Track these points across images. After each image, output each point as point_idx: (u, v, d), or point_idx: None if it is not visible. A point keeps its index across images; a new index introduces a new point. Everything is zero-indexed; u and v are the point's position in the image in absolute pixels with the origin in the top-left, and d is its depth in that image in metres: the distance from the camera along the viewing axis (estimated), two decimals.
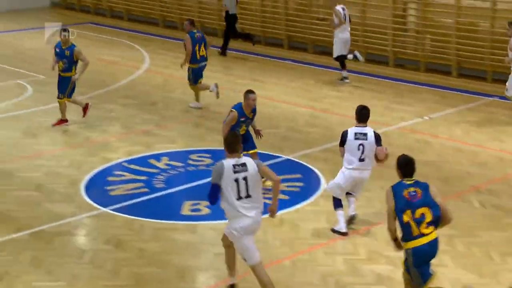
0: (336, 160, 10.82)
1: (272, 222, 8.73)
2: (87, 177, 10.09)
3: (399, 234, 6.30)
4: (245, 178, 6.57)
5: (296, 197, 9.54)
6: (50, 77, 15.34)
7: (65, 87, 12.02)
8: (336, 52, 14.87)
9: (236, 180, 6.55)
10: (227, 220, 6.75)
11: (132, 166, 10.54)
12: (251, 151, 9.28)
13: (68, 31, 12.09)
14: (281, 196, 9.52)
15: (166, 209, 9.20)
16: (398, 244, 6.37)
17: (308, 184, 10.04)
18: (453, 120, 12.70)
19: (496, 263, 7.78)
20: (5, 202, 9.32)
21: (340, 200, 8.50)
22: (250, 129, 9.56)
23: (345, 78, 15.04)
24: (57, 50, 12.00)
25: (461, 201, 9.37)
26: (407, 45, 16.60)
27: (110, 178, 10.15)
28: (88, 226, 8.79)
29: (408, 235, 6.20)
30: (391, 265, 7.65)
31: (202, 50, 13.02)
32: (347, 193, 8.59)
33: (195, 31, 13.10)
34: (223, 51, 17.33)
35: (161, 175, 10.24)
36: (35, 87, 14.46)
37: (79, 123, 12.42)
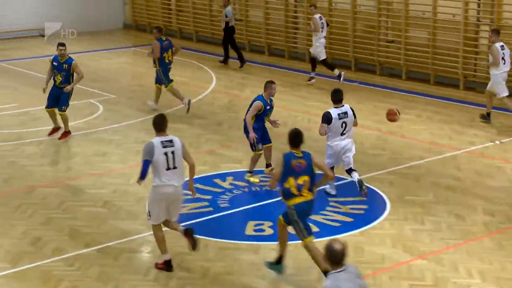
0: (403, 183, 10.70)
1: None
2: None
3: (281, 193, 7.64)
4: (172, 152, 7.86)
5: (361, 220, 9.44)
6: (120, 96, 15.78)
7: (66, 100, 12.39)
8: (322, 55, 16.39)
9: (165, 154, 7.82)
10: (153, 189, 7.90)
11: (197, 185, 10.65)
12: (267, 145, 10.73)
13: (65, 45, 12.40)
14: (346, 219, 9.45)
15: (230, 228, 9.26)
16: (271, 186, 7.83)
17: (373, 207, 9.93)
18: None
19: None
20: (75, 218, 9.58)
21: (351, 169, 9.96)
22: (267, 125, 10.68)
23: (312, 78, 16.61)
24: (55, 64, 12.34)
25: None
26: (478, 68, 16.28)
27: None
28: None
29: (290, 195, 7.58)
30: None
31: (170, 56, 14.26)
32: (349, 171, 9.96)
33: (163, 38, 14.19)
34: (225, 60, 18.68)
35: (226, 194, 10.32)
36: (106, 106, 14.86)
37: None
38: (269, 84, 10.52)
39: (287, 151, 7.69)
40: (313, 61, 16.56)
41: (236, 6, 21.05)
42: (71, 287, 7.73)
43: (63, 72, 12.31)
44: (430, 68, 16.77)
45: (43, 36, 21.98)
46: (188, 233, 8.01)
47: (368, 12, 18.02)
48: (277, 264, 7.89)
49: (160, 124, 8.08)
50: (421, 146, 12.46)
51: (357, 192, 10.21)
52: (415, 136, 13.04)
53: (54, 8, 22.47)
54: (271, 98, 10.61)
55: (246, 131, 10.64)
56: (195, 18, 21.92)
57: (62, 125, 12.65)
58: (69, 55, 12.52)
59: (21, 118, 14.01)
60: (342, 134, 9.85)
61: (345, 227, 9.20)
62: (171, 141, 7.95)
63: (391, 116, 10.44)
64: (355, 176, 9.94)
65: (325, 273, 7.12)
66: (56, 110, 12.52)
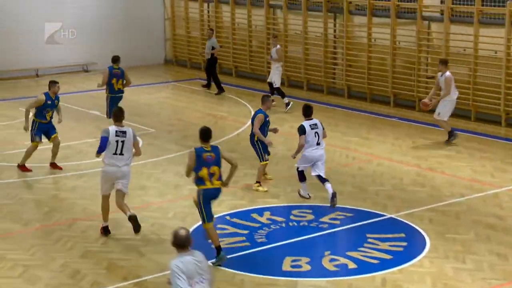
0: (443, 221, 10.56)
1: (374, 282, 8.58)
2: (191, 230, 10.31)
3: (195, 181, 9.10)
4: (122, 142, 9.77)
5: (399, 257, 9.32)
6: (160, 130, 15.98)
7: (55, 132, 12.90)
8: (278, 83, 17.84)
9: (116, 142, 9.72)
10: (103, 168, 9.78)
11: (235, 220, 10.69)
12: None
13: (58, 83, 12.95)
14: (384, 256, 9.35)
15: (267, 264, 9.23)
16: (187, 174, 9.34)
17: (412, 244, 9.80)
18: None
19: None
20: (113, 251, 9.67)
21: (303, 173, 11.37)
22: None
23: (289, 103, 17.60)
24: (49, 102, 12.73)
25: None
26: None
27: None
28: None
29: (202, 182, 9.08)
30: None
31: (120, 84, 15.02)
32: (322, 180, 11.14)
33: (115, 67, 15.00)
34: (208, 85, 20.07)
35: (263, 229, 10.31)
36: (146, 140, 15.05)
37: (184, 177, 12.76)
38: (266, 98, 12.15)
39: (198, 146, 9.17)
40: (271, 85, 17.99)
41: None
42: None
43: (55, 108, 12.85)
44: (471, 105, 16.62)
45: (86, 71, 22.50)
46: (132, 218, 9.74)
47: (408, 48, 18.02)
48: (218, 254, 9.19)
49: (118, 115, 9.94)
50: (462, 183, 12.30)
51: (395, 229, 10.11)
52: (456, 173, 12.89)
53: (96, 44, 22.99)
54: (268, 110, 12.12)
55: (253, 144, 12.15)
56: (234, 53, 22.19)
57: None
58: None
59: (63, 151, 14.26)
60: (317, 144, 11.20)
61: (384, 265, 9.09)
62: (124, 132, 9.83)
63: (424, 106, 13.89)
64: (329, 187, 11.11)
65: (217, 248, 9.09)
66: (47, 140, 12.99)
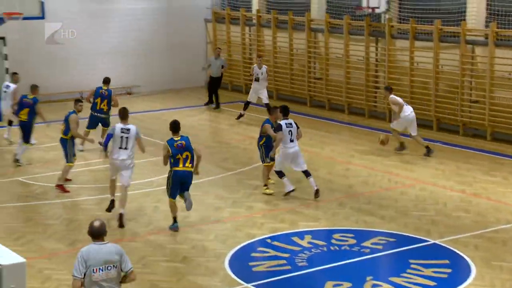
0: (489, 247, 10.34)
1: None
2: (232, 252, 10.31)
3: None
4: (126, 138, 11.36)
5: (443, 284, 9.16)
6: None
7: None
8: (252, 99, 19.18)
9: (121, 137, 11.34)
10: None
11: (276, 243, 10.65)
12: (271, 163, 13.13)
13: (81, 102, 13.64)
14: (428, 282, 9.18)
15: None
16: (164, 163, 11.19)
17: (457, 271, 9.62)
18: None
19: None
20: (154, 272, 9.71)
21: (282, 171, 12.75)
22: None
23: (242, 116, 18.98)
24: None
25: None
26: None
27: (254, 254, 10.30)
28: None
29: (176, 165, 10.96)
30: None
31: (104, 105, 15.67)
32: (306, 175, 12.72)
33: (104, 87, 15.80)
34: (217, 105, 20.83)
35: (304, 253, 10.25)
36: None
37: (226, 198, 12.83)
38: (275, 109, 13.18)
39: (168, 138, 11.02)
40: (249, 104, 19.26)
41: (317, 65, 21.29)
42: None
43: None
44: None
45: (130, 94, 22.82)
46: (120, 217, 11.36)
47: (451, 72, 17.84)
48: (175, 222, 11.27)
49: (123, 114, 11.61)
50: (508, 209, 12.06)
51: (439, 255, 9.94)
52: (502, 198, 12.65)
53: (140, 67, 23.32)
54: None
55: (258, 147, 13.29)
56: (275, 76, 22.27)
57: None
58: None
59: (106, 173, 14.44)
60: (291, 141, 12.59)
61: None
62: (128, 129, 11.46)
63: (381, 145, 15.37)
64: (312, 182, 12.63)
65: (174, 218, 11.26)
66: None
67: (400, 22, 18.95)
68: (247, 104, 19.24)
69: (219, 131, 18.44)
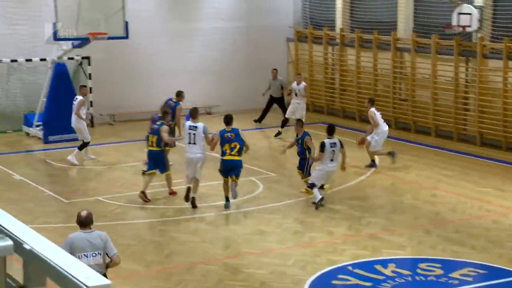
0: None
1: None
2: (311, 279, 10.16)
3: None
4: (194, 134, 13.18)
5: None
6: (280, 175, 16.02)
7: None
8: (288, 114, 19.73)
9: (189, 134, 13.18)
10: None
11: (357, 271, 10.43)
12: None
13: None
14: None
15: None
16: (211, 148, 13.44)
17: None
18: None
19: None
20: None
21: (315, 185, 13.32)
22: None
23: (280, 133, 19.54)
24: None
25: None
26: None
27: (335, 282, 10.13)
28: None
29: (224, 154, 12.96)
30: None
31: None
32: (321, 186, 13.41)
33: (173, 100, 16.37)
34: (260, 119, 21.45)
35: (387, 282, 9.98)
36: (267, 184, 15.13)
37: (305, 222, 12.70)
38: (299, 122, 14.73)
39: (222, 129, 13.09)
40: (287, 121, 19.63)
41: (402, 85, 20.96)
42: None
43: (156, 134, 13.87)
44: None
45: (209, 113, 23.11)
46: (193, 200, 13.27)
47: None
48: (227, 200, 13.23)
49: (193, 113, 13.37)
50: None
51: None
52: None
53: (219, 86, 23.59)
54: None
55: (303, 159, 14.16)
56: (359, 97, 22.06)
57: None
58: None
59: (183, 193, 14.59)
60: (331, 160, 13.26)
61: None
62: (196, 126, 13.19)
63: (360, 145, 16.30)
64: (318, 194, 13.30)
65: (226, 198, 13.33)
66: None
67: (493, 41, 18.42)
68: (285, 121, 19.72)
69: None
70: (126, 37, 18.62)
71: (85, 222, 7.86)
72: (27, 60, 20.18)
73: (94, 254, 7.65)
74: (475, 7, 18.37)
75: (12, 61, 20.07)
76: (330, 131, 13.58)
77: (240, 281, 10.21)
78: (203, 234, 12.19)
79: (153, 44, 22.34)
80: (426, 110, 20.00)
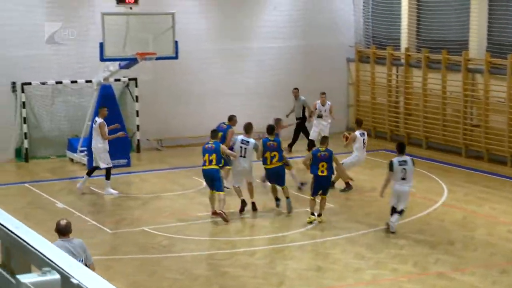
0: None
1: None
2: None
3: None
4: (245, 148, 14.92)
5: None
6: (340, 206, 15.93)
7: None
8: (313, 136, 20.42)
9: (241, 147, 14.91)
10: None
11: None
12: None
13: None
14: None
15: None
16: (258, 157, 15.13)
17: None
18: None
19: None
20: None
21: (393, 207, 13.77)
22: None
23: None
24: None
25: None
26: None
27: None
28: None
29: (265, 163, 14.86)
30: None
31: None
32: (396, 211, 13.70)
33: (226, 123, 16.62)
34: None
35: None
36: (325, 216, 15.04)
37: (367, 258, 12.59)
38: (325, 138, 15.46)
39: (264, 137, 15.18)
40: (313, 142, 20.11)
41: (474, 110, 20.68)
42: None
43: (214, 153, 14.55)
44: None
45: (261, 138, 23.16)
46: (253, 204, 15.09)
47: None
48: (277, 200, 15.08)
49: (247, 128, 15.38)
50: None
51: None
52: None
53: (275, 109, 23.65)
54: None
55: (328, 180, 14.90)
56: (425, 122, 21.86)
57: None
58: None
59: (236, 225, 14.66)
60: (402, 179, 13.56)
61: None
62: (248, 141, 15.03)
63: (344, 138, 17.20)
64: (395, 220, 13.72)
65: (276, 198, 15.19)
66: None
67: None
68: (311, 143, 20.09)
69: (359, 181, 18.23)
70: (176, 57, 18.87)
71: (64, 231, 8.56)
72: (72, 82, 20.65)
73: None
74: None
75: (57, 82, 20.53)
76: (400, 149, 13.88)
77: None
78: (255, 268, 12.19)
79: (203, 64, 22.58)
80: (500, 137, 19.65)
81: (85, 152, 19.07)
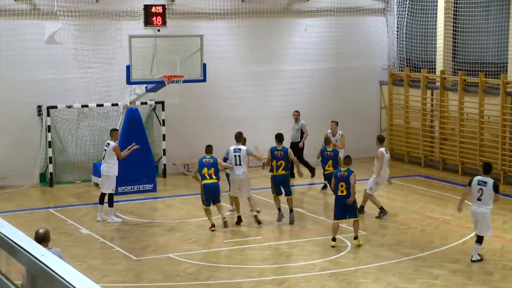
0: None
1: None
2: None
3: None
4: (239, 156, 15.94)
5: None
6: (372, 233, 15.91)
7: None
8: None
9: (235, 156, 15.88)
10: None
11: None
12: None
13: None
14: None
15: None
16: (266, 165, 16.63)
17: None
18: None
19: None
20: None
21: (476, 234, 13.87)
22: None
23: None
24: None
25: None
26: None
27: None
28: None
29: (272, 170, 16.21)
30: None
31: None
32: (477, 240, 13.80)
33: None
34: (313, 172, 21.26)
35: None
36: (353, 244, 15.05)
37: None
38: (347, 158, 15.47)
39: (273, 146, 16.35)
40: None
41: (507, 134, 20.57)
42: None
43: (213, 167, 16.06)
44: None
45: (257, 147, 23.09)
46: (255, 216, 16.13)
47: None
48: (279, 211, 16.35)
49: (238, 137, 16.33)
50: None
51: None
52: None
53: (308, 131, 23.74)
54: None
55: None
56: (461, 147, 21.77)
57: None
58: None
59: (264, 252, 14.70)
60: (478, 200, 13.53)
61: None
62: (240, 149, 16.02)
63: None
64: (477, 249, 13.80)
65: (278, 209, 16.33)
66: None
67: None
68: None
69: (393, 209, 18.19)
70: (204, 80, 19.06)
71: (43, 239, 8.93)
72: (98, 105, 20.93)
73: None
74: None
75: (83, 106, 20.83)
76: (484, 169, 13.95)
77: None
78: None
79: (232, 87, 22.71)
80: None
81: None
